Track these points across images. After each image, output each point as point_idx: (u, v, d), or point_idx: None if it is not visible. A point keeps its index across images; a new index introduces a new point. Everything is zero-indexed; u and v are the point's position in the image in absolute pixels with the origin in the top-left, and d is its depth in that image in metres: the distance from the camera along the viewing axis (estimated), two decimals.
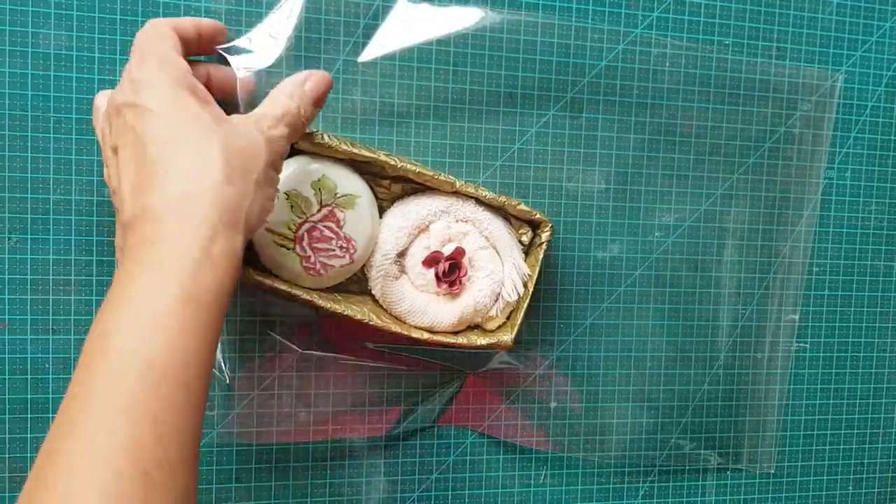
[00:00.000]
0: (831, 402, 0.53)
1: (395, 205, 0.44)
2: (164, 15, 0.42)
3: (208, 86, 0.39)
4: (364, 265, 0.43)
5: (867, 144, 0.52)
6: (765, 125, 0.50)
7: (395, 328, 0.43)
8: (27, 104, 0.41)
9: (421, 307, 0.44)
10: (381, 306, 0.44)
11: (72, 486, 0.26)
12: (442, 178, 0.42)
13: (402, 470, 0.47)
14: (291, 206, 0.40)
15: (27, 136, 0.41)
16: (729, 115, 0.50)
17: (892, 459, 0.55)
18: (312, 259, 0.41)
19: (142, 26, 0.37)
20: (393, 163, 0.41)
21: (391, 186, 0.43)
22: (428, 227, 0.43)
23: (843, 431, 0.54)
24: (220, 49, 0.40)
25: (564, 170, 0.48)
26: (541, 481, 0.49)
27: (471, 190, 0.43)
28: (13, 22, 0.41)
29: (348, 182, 0.41)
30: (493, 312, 0.45)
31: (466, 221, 0.44)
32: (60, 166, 0.42)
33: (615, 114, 0.48)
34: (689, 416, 0.51)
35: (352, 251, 0.42)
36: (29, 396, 0.42)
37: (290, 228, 0.41)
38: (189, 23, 0.38)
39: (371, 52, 0.44)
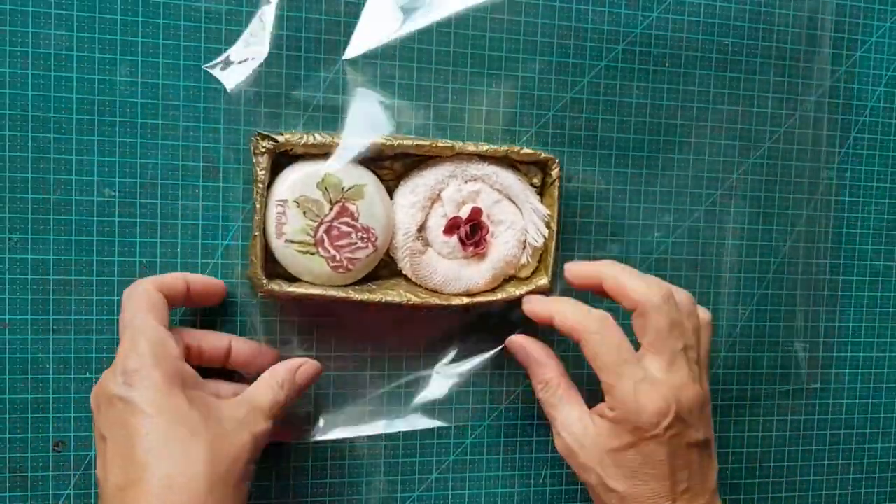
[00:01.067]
0: (831, 402, 0.53)
1: (401, 183, 0.44)
2: (164, 16, 0.42)
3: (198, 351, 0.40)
4: (388, 248, 0.43)
5: (867, 144, 0.52)
6: (765, 125, 0.50)
7: (436, 301, 0.43)
8: (27, 104, 0.41)
9: (454, 275, 0.44)
10: (415, 284, 0.44)
11: None
12: (440, 144, 0.43)
13: (402, 470, 0.47)
14: (304, 213, 0.41)
15: (27, 137, 0.41)
16: (729, 114, 0.50)
17: (892, 459, 0.55)
18: (338, 257, 0.41)
19: (130, 285, 0.39)
20: (388, 142, 0.42)
21: (393, 165, 0.44)
22: (439, 195, 0.43)
23: (842, 431, 0.54)
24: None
25: (564, 170, 0.48)
26: (541, 481, 0.49)
27: (471, 148, 0.43)
28: (13, 22, 0.41)
29: (351, 173, 0.41)
30: (523, 260, 0.45)
31: (475, 180, 0.44)
32: (60, 166, 0.42)
33: (615, 113, 0.48)
34: None
35: (373, 239, 0.42)
36: (29, 396, 0.42)
37: (308, 234, 0.41)
38: (179, 281, 0.40)
39: (356, 49, 0.44)
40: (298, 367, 0.40)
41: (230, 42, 0.43)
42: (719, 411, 0.51)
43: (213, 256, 0.44)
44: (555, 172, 0.44)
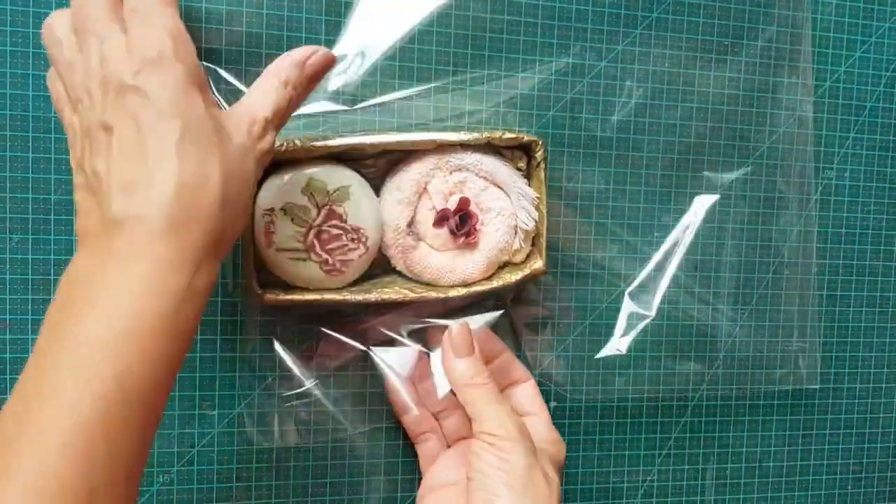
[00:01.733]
0: (831, 401, 0.53)
1: (387, 180, 0.43)
2: None
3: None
4: (380, 246, 0.43)
5: (867, 144, 0.52)
6: (765, 125, 0.50)
7: (433, 294, 0.43)
8: (28, 104, 0.41)
9: (448, 267, 0.44)
10: (411, 279, 0.44)
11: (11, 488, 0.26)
12: (422, 137, 0.42)
13: (402, 470, 0.47)
14: (292, 219, 0.41)
15: (28, 137, 0.41)
16: (728, 115, 0.50)
17: (891, 459, 0.55)
18: (331, 261, 0.41)
19: None
20: (371, 142, 0.41)
21: (377, 163, 0.43)
22: (426, 188, 0.43)
23: (842, 431, 0.54)
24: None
25: (564, 170, 0.48)
26: None
27: (453, 137, 0.43)
28: (13, 22, 0.41)
29: (335, 175, 0.41)
30: (516, 245, 0.45)
31: (460, 170, 0.43)
32: (61, 166, 0.42)
33: (615, 114, 0.48)
34: (689, 416, 0.51)
35: (363, 239, 0.42)
36: None
37: (298, 241, 0.41)
38: None
39: (350, 48, 0.44)
40: (308, 56, 0.35)
41: (230, 42, 0.43)
42: (719, 411, 0.52)
43: None
44: (539, 154, 0.44)
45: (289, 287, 0.42)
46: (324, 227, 0.41)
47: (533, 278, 0.45)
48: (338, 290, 0.42)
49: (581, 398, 0.49)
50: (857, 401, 0.54)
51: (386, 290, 0.43)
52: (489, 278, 0.45)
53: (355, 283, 0.43)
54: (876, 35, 0.52)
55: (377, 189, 0.43)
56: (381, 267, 0.45)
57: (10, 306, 0.42)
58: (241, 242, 0.41)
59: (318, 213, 0.41)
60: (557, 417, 0.49)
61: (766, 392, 0.52)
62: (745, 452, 0.52)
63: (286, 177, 0.41)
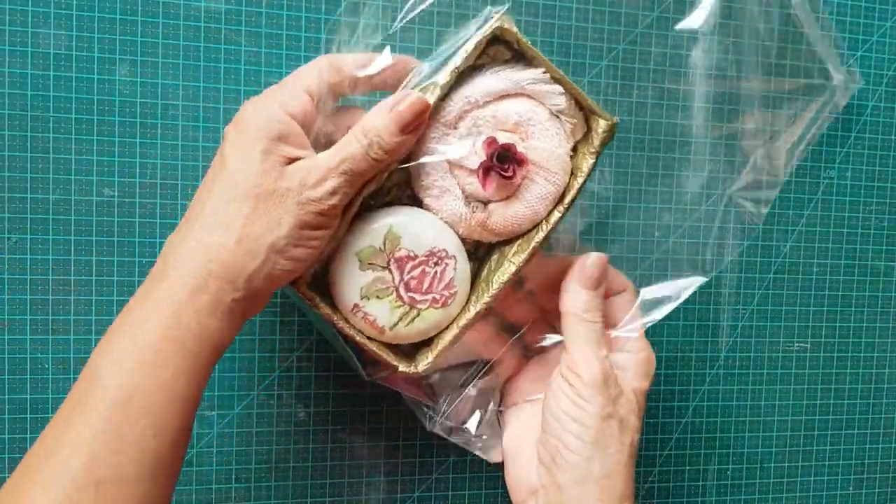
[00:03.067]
0: (831, 402, 0.53)
1: (415, 185, 0.39)
2: (163, 14, 0.42)
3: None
4: (466, 239, 0.40)
5: (867, 144, 0.52)
6: (765, 124, 0.50)
7: (541, 233, 0.39)
8: (27, 104, 0.41)
9: (534, 198, 0.39)
10: (513, 239, 0.40)
11: (33, 483, 0.31)
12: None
13: (402, 470, 0.47)
14: (378, 297, 0.38)
15: (27, 136, 0.41)
16: (729, 114, 0.50)
17: (892, 459, 0.55)
18: (437, 295, 0.38)
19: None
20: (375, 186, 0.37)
21: (392, 178, 0.39)
22: (450, 164, 0.38)
23: (843, 431, 0.54)
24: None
25: None
26: None
27: (432, 100, 0.36)
28: (13, 22, 0.41)
29: (371, 230, 0.38)
30: (567, 129, 0.39)
31: (461, 118, 0.38)
32: (60, 166, 0.42)
33: (615, 113, 0.48)
34: (689, 417, 0.51)
35: (444, 254, 0.38)
36: (28, 396, 0.42)
37: (399, 306, 0.38)
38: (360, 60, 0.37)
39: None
40: (395, 104, 0.35)
41: (230, 42, 0.43)
42: (720, 411, 0.51)
43: None
44: (511, 32, 0.37)
45: (428, 342, 0.40)
46: (405, 278, 0.38)
47: (610, 136, 0.39)
48: (464, 308, 0.39)
49: None
50: (857, 401, 0.54)
51: (499, 273, 0.39)
52: (573, 174, 0.39)
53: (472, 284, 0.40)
54: (877, 34, 0.52)
55: (414, 198, 0.39)
56: (483, 247, 0.41)
57: (8, 306, 0.42)
58: (358, 350, 0.40)
59: (391, 272, 0.38)
60: None
61: (767, 392, 0.52)
62: (747, 453, 0.52)
63: (339, 275, 0.38)
